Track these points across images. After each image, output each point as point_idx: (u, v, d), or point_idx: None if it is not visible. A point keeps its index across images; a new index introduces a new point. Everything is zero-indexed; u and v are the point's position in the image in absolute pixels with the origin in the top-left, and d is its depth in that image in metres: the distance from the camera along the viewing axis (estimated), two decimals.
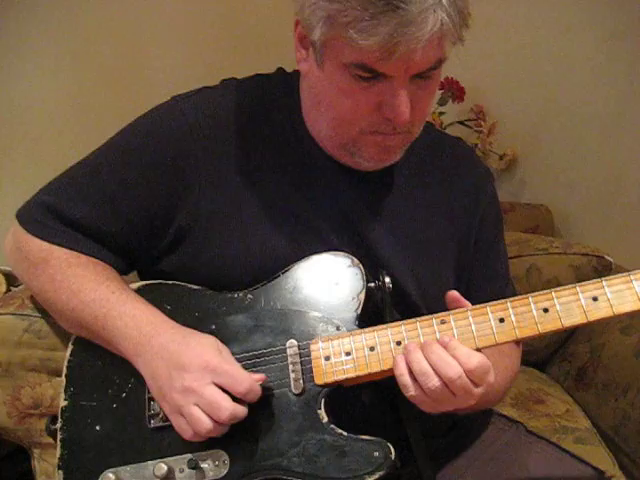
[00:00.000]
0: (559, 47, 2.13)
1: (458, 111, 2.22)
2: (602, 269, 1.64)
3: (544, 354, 1.78)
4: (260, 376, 0.84)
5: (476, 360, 0.79)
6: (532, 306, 0.84)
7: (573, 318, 0.83)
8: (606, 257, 1.65)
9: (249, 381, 0.81)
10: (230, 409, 0.80)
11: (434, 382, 0.78)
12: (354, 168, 0.95)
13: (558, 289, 0.84)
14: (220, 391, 0.81)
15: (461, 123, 2.22)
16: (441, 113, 2.16)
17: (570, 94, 2.13)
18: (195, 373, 0.81)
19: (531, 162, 2.28)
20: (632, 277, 0.83)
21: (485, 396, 0.82)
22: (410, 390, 0.80)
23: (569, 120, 2.15)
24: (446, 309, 0.87)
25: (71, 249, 0.94)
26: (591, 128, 2.11)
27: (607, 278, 0.84)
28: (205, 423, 0.80)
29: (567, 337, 1.74)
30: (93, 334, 0.91)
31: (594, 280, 0.84)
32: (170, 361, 0.83)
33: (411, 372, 0.80)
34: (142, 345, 0.86)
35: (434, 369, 0.78)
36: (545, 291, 0.84)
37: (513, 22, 2.19)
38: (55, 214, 0.95)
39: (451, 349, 0.79)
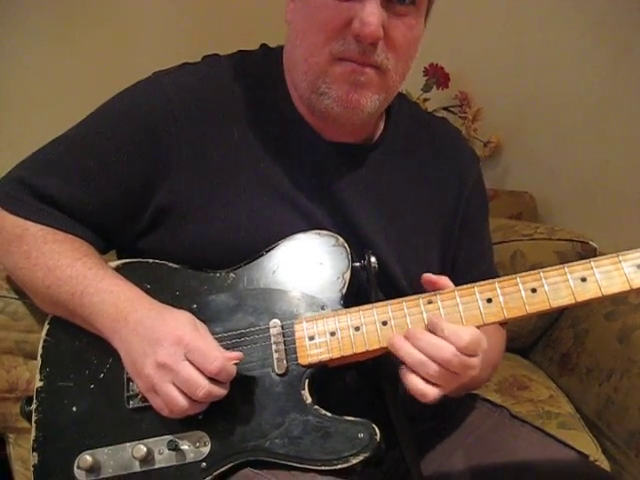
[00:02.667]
0: (544, 34, 2.12)
1: (442, 97, 2.20)
2: (586, 255, 1.64)
3: (528, 340, 1.78)
4: (236, 354, 0.81)
5: (467, 336, 0.78)
6: (520, 286, 0.82)
7: (561, 299, 0.82)
8: (591, 243, 1.65)
9: (221, 360, 0.79)
10: (206, 387, 0.78)
11: (433, 368, 0.77)
12: (340, 141, 0.94)
13: (546, 269, 0.83)
14: (195, 369, 0.79)
15: (445, 109, 2.20)
16: (425, 99, 2.15)
17: (555, 81, 2.13)
18: (168, 348, 0.79)
19: (515, 149, 2.27)
20: (621, 258, 0.82)
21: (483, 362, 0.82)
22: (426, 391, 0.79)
23: (554, 107, 2.15)
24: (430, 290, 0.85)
25: (47, 225, 0.91)
26: (575, 116, 2.11)
27: (595, 259, 0.83)
28: (180, 402, 0.78)
29: (551, 323, 1.75)
30: (70, 312, 0.89)
31: (582, 261, 0.83)
32: (144, 337, 0.81)
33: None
34: (118, 322, 0.84)
35: (427, 356, 0.78)
36: (533, 272, 0.83)
37: (498, 8, 2.18)
38: (30, 190, 0.92)
39: (439, 331, 0.79)
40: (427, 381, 0.78)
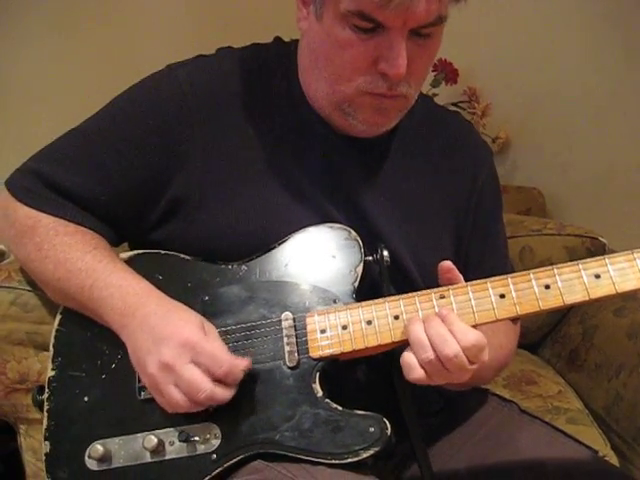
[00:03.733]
0: (553, 30, 2.11)
1: (451, 93, 2.20)
2: (596, 251, 1.63)
3: (536, 336, 1.78)
4: (245, 361, 0.81)
5: (473, 338, 0.77)
6: (533, 282, 0.82)
7: (575, 295, 0.81)
8: (600, 239, 1.64)
9: (229, 363, 0.79)
10: (208, 391, 0.78)
11: (428, 354, 0.77)
12: (350, 134, 0.93)
13: (560, 266, 0.82)
14: (199, 371, 0.78)
15: (454, 105, 2.19)
16: (434, 95, 2.14)
17: (564, 77, 2.12)
18: (173, 349, 0.79)
19: (524, 145, 2.27)
20: (635, 255, 0.82)
21: (477, 372, 0.81)
22: (414, 367, 0.78)
23: (562, 103, 2.14)
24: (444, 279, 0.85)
25: (59, 217, 0.91)
26: (584, 111, 2.10)
27: (609, 256, 0.82)
28: (182, 404, 0.79)
29: (559, 319, 1.74)
30: (80, 304, 0.89)
31: (597, 257, 0.82)
32: (150, 334, 0.81)
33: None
34: (126, 316, 0.84)
35: (431, 344, 0.77)
36: (546, 268, 0.83)
37: (507, 4, 2.17)
38: (44, 181, 0.92)
39: (448, 324, 0.78)
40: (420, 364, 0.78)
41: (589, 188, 2.12)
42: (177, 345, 0.79)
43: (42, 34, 2.01)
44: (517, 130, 2.25)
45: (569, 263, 0.82)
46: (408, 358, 0.78)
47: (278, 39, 1.02)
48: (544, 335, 1.79)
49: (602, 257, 0.82)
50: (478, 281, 0.83)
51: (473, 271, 0.89)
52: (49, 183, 0.92)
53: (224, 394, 0.80)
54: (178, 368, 0.78)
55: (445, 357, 0.76)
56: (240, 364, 0.80)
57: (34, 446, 1.07)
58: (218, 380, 0.79)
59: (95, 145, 0.93)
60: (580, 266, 0.82)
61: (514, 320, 1.06)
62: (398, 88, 0.86)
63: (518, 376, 1.57)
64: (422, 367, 0.78)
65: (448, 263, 0.85)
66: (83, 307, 0.89)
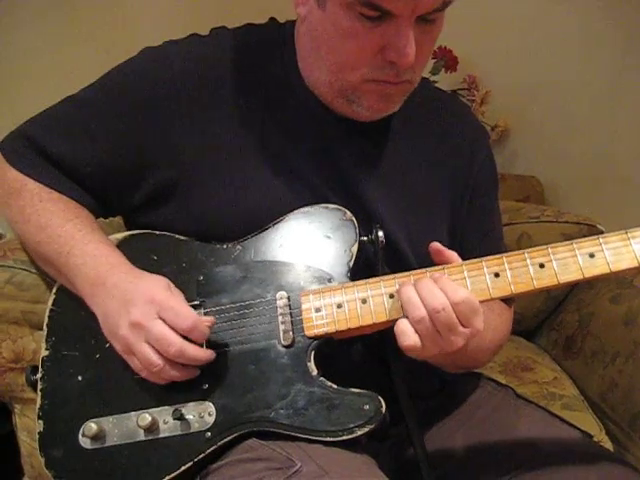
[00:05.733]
0: (553, 18, 2.11)
1: (451, 81, 2.19)
2: None
3: (532, 323, 1.78)
4: (209, 319, 0.82)
5: (463, 294, 0.77)
6: (528, 262, 0.82)
7: (569, 274, 0.81)
8: (598, 226, 1.64)
9: (193, 318, 0.80)
10: (177, 344, 0.78)
11: (419, 312, 0.76)
12: (350, 118, 0.93)
13: (554, 245, 0.82)
14: (167, 326, 0.79)
15: (453, 93, 2.19)
16: (434, 82, 2.13)
17: (563, 66, 2.12)
18: (142, 307, 0.80)
19: (523, 133, 2.26)
20: (629, 235, 0.82)
21: (473, 353, 0.81)
22: (407, 333, 0.78)
23: (562, 92, 2.14)
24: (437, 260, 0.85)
25: (44, 184, 0.93)
26: (583, 100, 2.10)
27: (604, 235, 0.82)
28: (155, 361, 0.79)
29: (555, 307, 1.74)
30: (56, 270, 0.91)
31: (591, 237, 0.82)
32: (120, 299, 0.82)
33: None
34: (97, 286, 0.84)
35: (421, 299, 0.77)
36: (541, 247, 0.83)
37: None
38: (35, 147, 0.93)
39: (440, 283, 0.78)
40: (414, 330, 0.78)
41: (587, 177, 2.12)
42: (144, 303, 0.80)
43: (39, 13, 2.00)
44: (516, 118, 2.24)
45: (564, 242, 0.82)
46: (402, 324, 0.78)
47: (273, 20, 1.01)
48: (540, 322, 1.79)
49: (596, 237, 0.82)
50: (473, 260, 0.83)
51: (470, 251, 0.89)
52: (39, 149, 0.93)
53: (195, 351, 0.80)
54: (147, 324, 0.79)
55: (433, 310, 0.75)
56: (206, 320, 0.81)
57: (29, 426, 1.08)
58: (184, 336, 0.80)
59: (86, 115, 0.94)
60: (574, 245, 0.82)
61: (508, 303, 1.06)
62: (404, 75, 0.85)
63: (514, 362, 1.57)
64: (416, 332, 0.77)
65: (436, 245, 0.84)
66: (59, 273, 0.91)
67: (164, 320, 0.80)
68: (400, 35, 0.80)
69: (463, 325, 0.77)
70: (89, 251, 0.87)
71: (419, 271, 0.83)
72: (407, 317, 0.78)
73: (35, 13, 1.98)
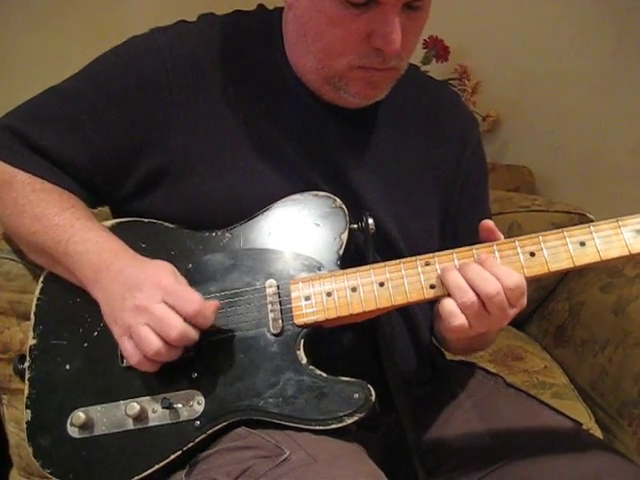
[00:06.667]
0: (545, 8, 2.11)
1: (442, 71, 2.18)
2: None
3: (523, 313, 1.75)
4: (214, 303, 0.81)
5: (517, 279, 0.77)
6: (519, 250, 0.82)
7: (560, 263, 0.81)
8: (588, 215, 1.65)
9: (199, 303, 0.78)
10: (179, 327, 0.77)
11: (469, 296, 0.76)
12: (338, 105, 0.92)
13: (545, 233, 0.82)
14: (171, 310, 0.78)
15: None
16: (425, 72, 2.13)
17: (555, 56, 2.12)
18: (147, 291, 0.79)
19: (514, 123, 2.27)
20: (620, 223, 0.82)
21: (486, 336, 0.84)
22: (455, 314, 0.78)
23: (553, 82, 2.14)
24: (429, 252, 0.84)
25: (35, 175, 0.91)
26: (575, 91, 2.10)
27: (595, 224, 0.82)
28: (154, 342, 0.77)
29: (546, 296, 1.75)
30: (54, 260, 0.89)
31: (582, 225, 0.82)
32: (125, 284, 0.81)
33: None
34: (100, 271, 0.83)
35: (471, 285, 0.77)
36: (532, 235, 0.82)
37: None
38: (21, 139, 0.92)
39: (489, 267, 0.78)
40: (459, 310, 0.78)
41: (578, 167, 2.13)
42: (150, 287, 0.79)
43: (39, 13, 1.98)
44: (508, 109, 2.24)
45: (554, 231, 0.82)
46: (448, 305, 0.78)
47: (261, 6, 1.01)
48: (531, 312, 1.80)
49: (587, 225, 0.82)
50: (463, 248, 0.82)
51: (462, 241, 0.89)
52: (26, 140, 0.91)
53: (195, 334, 0.79)
54: (151, 307, 0.78)
55: (487, 295, 0.76)
56: (211, 304, 0.80)
57: (17, 416, 1.07)
58: (189, 319, 0.79)
59: (73, 105, 0.92)
60: (565, 234, 0.82)
61: None
62: (391, 62, 0.85)
63: (504, 351, 1.57)
64: (463, 312, 0.78)
65: (488, 224, 0.84)
66: (57, 262, 0.89)
67: (169, 304, 0.79)
68: (386, 22, 0.80)
69: (512, 305, 0.78)
70: (91, 238, 0.86)
71: (409, 259, 0.83)
72: (455, 301, 0.78)
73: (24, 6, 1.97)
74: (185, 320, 0.78)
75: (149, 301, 0.78)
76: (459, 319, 0.78)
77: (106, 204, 1.00)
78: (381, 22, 0.80)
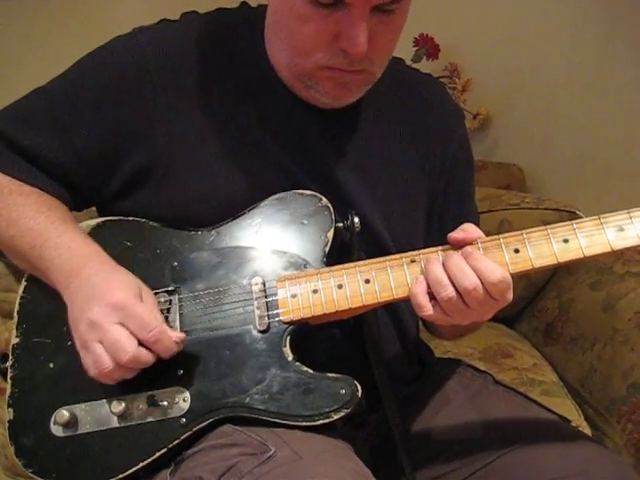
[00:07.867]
0: (536, 6, 2.11)
1: (432, 69, 2.17)
2: None
3: (513, 310, 1.79)
4: (178, 334, 0.80)
5: (500, 273, 0.76)
6: (503, 247, 0.81)
7: (544, 259, 0.81)
8: (577, 212, 1.65)
9: (159, 330, 0.77)
10: (131, 352, 0.76)
11: (447, 292, 0.76)
12: (313, 103, 0.91)
13: (529, 230, 0.82)
14: (127, 332, 0.77)
15: None
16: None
17: (545, 54, 2.12)
18: (104, 308, 0.78)
19: (504, 121, 2.27)
20: (602, 220, 0.82)
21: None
22: (425, 309, 0.77)
23: (543, 80, 2.14)
24: (415, 247, 0.84)
25: (14, 177, 0.91)
26: (565, 88, 2.11)
27: (578, 221, 0.82)
28: (106, 363, 0.77)
29: (536, 293, 1.75)
30: (30, 264, 0.88)
31: (565, 223, 0.83)
32: (87, 294, 0.80)
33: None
34: (70, 277, 0.83)
35: (451, 278, 0.76)
36: (516, 232, 0.82)
37: None
38: (4, 140, 0.91)
39: (472, 260, 0.77)
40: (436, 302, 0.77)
41: (568, 165, 2.13)
42: (107, 304, 0.78)
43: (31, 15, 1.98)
44: (498, 106, 2.24)
45: (538, 228, 0.82)
46: (415, 298, 0.78)
47: (244, 4, 1.00)
48: (521, 309, 1.80)
49: (570, 222, 0.82)
50: (449, 246, 0.82)
51: (448, 234, 0.89)
52: (8, 142, 0.91)
53: (149, 357, 0.78)
54: (105, 326, 0.77)
55: (464, 290, 0.75)
56: (172, 334, 0.79)
57: (2, 417, 1.06)
58: (146, 346, 0.78)
59: (56, 105, 0.92)
60: (549, 231, 0.82)
61: None
62: (359, 65, 0.84)
63: (494, 349, 1.57)
64: (439, 306, 0.77)
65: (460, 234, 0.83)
66: (33, 267, 0.88)
67: (127, 327, 0.78)
68: (352, 24, 0.78)
69: (495, 299, 0.77)
70: (64, 243, 0.85)
71: (395, 256, 0.83)
72: (435, 295, 0.77)
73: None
74: (141, 344, 0.77)
75: (105, 319, 0.77)
76: (429, 311, 0.77)
77: (92, 205, 0.99)
78: (347, 24, 0.79)
